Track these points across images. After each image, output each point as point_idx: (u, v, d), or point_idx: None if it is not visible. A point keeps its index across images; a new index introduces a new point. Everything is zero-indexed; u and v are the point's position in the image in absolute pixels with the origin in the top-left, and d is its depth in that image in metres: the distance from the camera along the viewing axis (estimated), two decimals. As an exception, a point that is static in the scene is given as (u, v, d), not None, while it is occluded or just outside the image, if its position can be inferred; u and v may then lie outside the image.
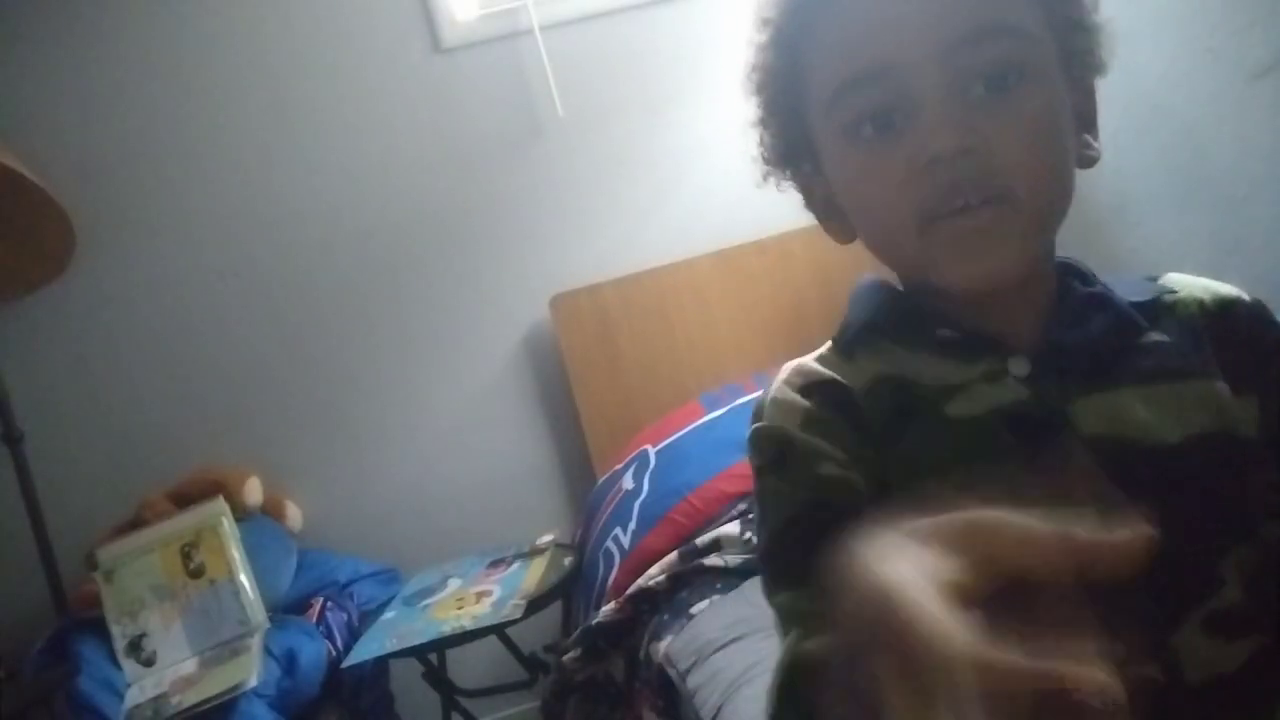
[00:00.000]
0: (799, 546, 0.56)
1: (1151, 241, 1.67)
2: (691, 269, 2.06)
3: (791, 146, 0.64)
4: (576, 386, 2.03)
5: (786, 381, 0.62)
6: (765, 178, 0.67)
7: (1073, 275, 0.62)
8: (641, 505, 1.63)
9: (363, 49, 2.03)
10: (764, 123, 0.65)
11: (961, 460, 0.57)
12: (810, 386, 0.60)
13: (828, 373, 0.61)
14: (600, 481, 1.88)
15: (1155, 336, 0.59)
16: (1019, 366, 0.57)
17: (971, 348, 0.59)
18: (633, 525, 1.61)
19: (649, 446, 1.77)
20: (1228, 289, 0.62)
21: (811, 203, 0.67)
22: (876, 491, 0.57)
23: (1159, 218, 1.65)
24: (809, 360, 0.63)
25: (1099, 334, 0.58)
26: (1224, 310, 0.61)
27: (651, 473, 1.69)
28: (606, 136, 2.10)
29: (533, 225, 2.10)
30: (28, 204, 1.81)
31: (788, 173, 0.66)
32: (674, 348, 2.05)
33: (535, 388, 2.11)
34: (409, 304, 2.07)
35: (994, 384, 0.58)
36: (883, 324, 0.62)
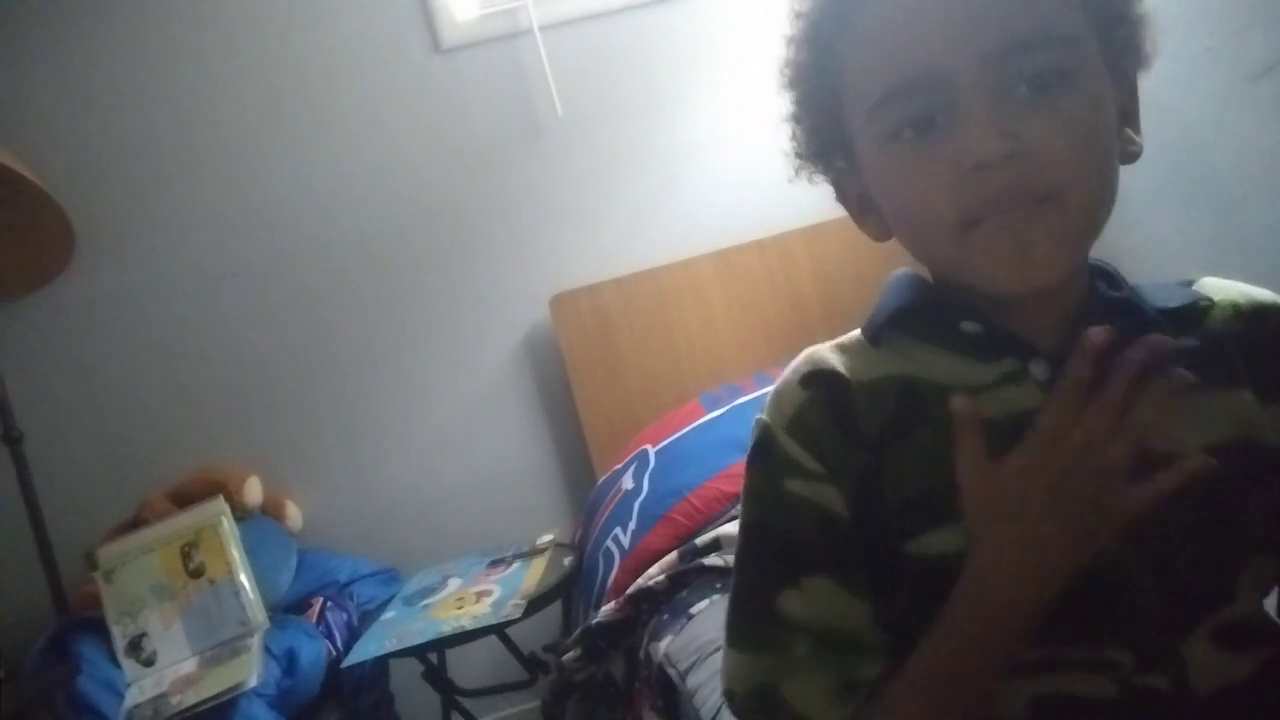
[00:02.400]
0: (752, 569, 0.61)
1: (1151, 241, 1.67)
2: (691, 269, 2.06)
3: (825, 143, 0.63)
4: (576, 386, 2.03)
5: (795, 368, 0.63)
6: (797, 172, 0.67)
7: (1101, 279, 0.61)
8: (641, 505, 1.63)
9: (362, 49, 2.03)
10: (797, 118, 0.64)
11: None
12: (812, 375, 0.61)
13: (832, 365, 0.62)
14: (600, 481, 1.88)
15: (1181, 345, 0.58)
16: (1040, 370, 0.57)
17: (994, 346, 0.58)
18: (632, 525, 1.61)
19: (649, 446, 1.77)
20: (1265, 295, 0.61)
21: (845, 199, 0.66)
22: (858, 494, 0.59)
23: (1159, 217, 1.65)
24: (825, 347, 0.64)
25: (1122, 337, 0.57)
26: (1259, 316, 0.60)
27: (651, 472, 1.69)
28: (606, 136, 2.10)
29: (532, 225, 2.10)
30: (27, 204, 1.81)
31: (821, 168, 0.65)
32: (674, 348, 2.05)
33: (535, 388, 2.11)
34: (409, 304, 2.07)
35: (1013, 386, 0.57)
36: (908, 317, 0.61)
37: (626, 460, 1.80)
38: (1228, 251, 1.51)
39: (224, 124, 2.01)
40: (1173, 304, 0.59)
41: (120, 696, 1.57)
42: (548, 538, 1.88)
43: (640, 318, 2.04)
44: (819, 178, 0.66)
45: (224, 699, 1.50)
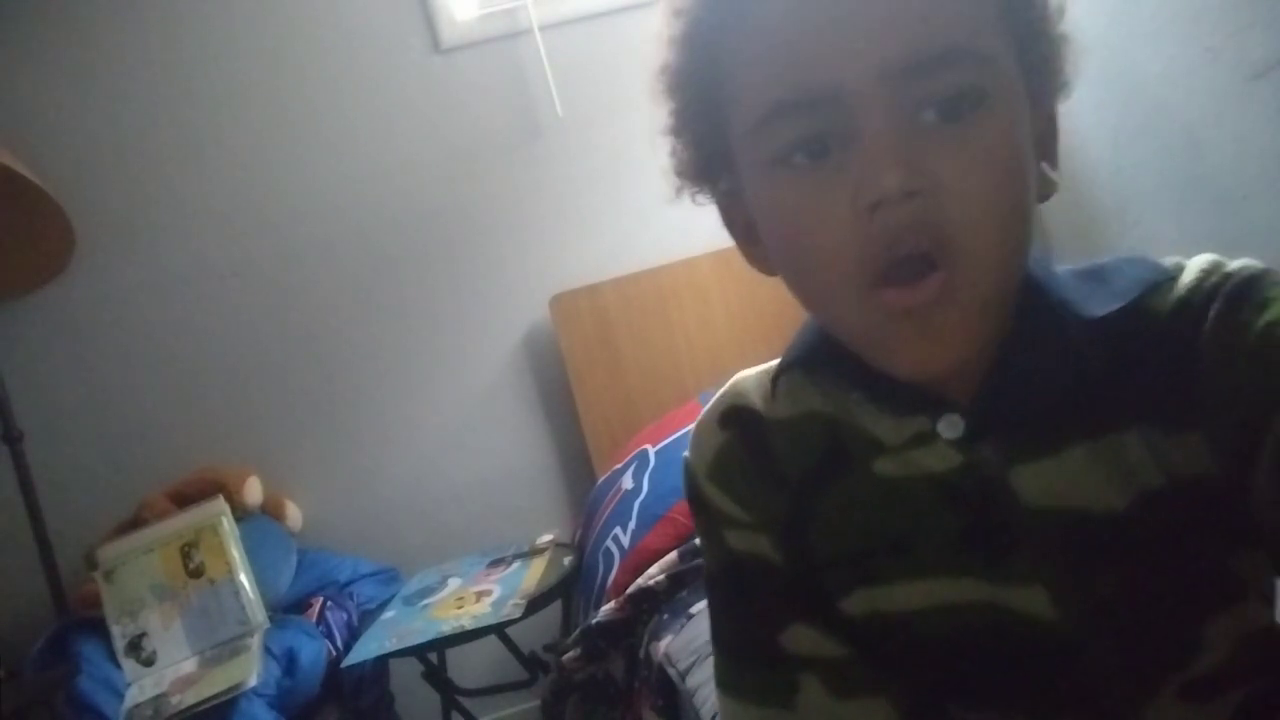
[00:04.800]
0: (736, 608, 0.58)
1: (1151, 241, 1.67)
2: (691, 268, 2.06)
3: (708, 160, 0.55)
4: (576, 386, 2.03)
5: (716, 402, 0.61)
6: (678, 193, 0.58)
7: (1032, 300, 0.51)
8: (641, 505, 1.63)
9: (362, 49, 2.04)
10: (676, 132, 0.56)
11: (892, 524, 0.53)
12: (732, 413, 0.59)
13: (750, 401, 0.59)
14: (600, 481, 1.88)
15: (1104, 374, 0.49)
16: (951, 428, 0.51)
17: (899, 403, 0.52)
18: (632, 525, 1.61)
19: (649, 446, 1.77)
20: (1189, 283, 0.49)
21: (731, 225, 0.58)
22: (787, 542, 0.56)
23: (1158, 217, 1.65)
24: (751, 376, 0.61)
25: (1044, 386, 0.49)
26: (1179, 314, 0.48)
27: (651, 472, 1.69)
28: (606, 136, 2.10)
29: (532, 225, 2.10)
30: (27, 204, 1.81)
31: (703, 188, 0.58)
32: (673, 347, 2.05)
33: (535, 388, 2.11)
34: (408, 304, 2.07)
35: (924, 447, 0.52)
36: (816, 363, 0.56)
37: (626, 460, 1.80)
38: (1227, 251, 1.50)
39: (224, 123, 2.01)
40: (1113, 306, 0.49)
41: (120, 696, 1.57)
42: (548, 538, 1.88)
43: (640, 317, 2.04)
44: (702, 199, 0.59)
45: (224, 699, 1.50)
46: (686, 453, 0.60)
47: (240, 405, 2.03)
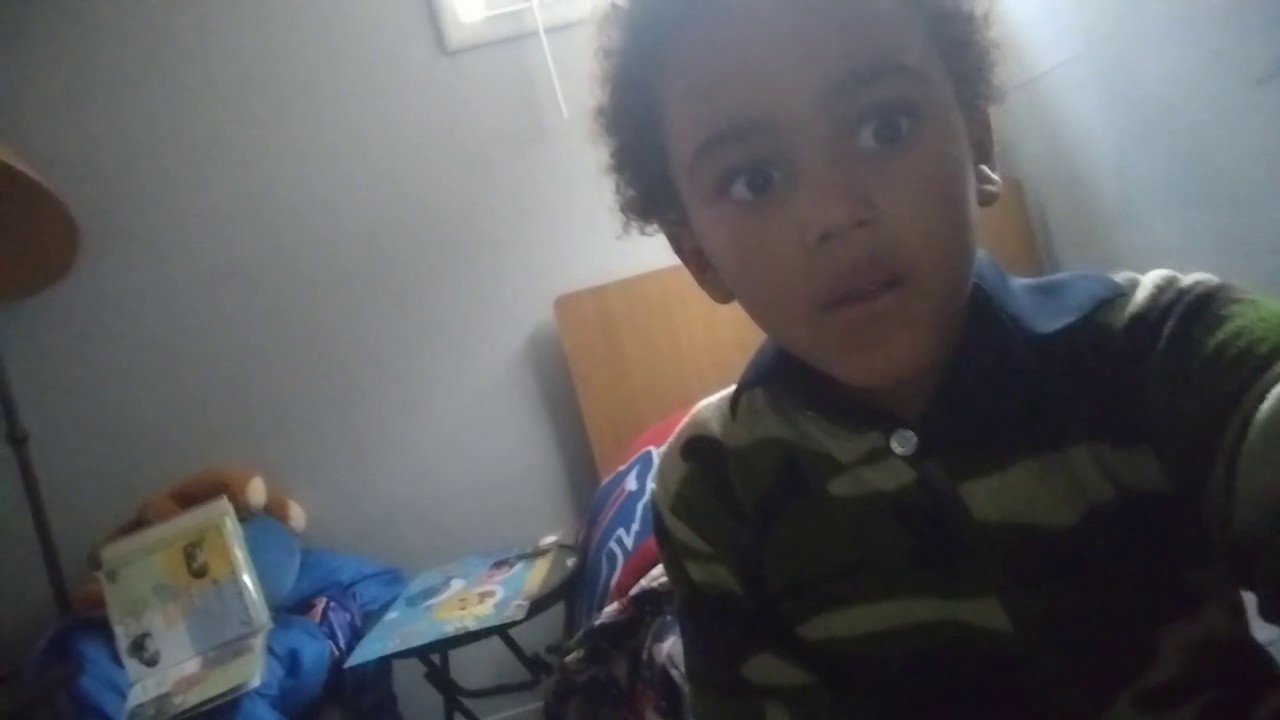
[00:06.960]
0: (702, 639, 0.60)
1: (1155, 243, 1.67)
2: (695, 271, 2.06)
3: (652, 195, 0.56)
4: (580, 388, 2.03)
5: (679, 433, 0.62)
6: (625, 229, 0.60)
7: (982, 314, 0.51)
8: (645, 506, 1.63)
9: (368, 51, 2.04)
10: (617, 170, 0.57)
11: (846, 548, 0.53)
12: (692, 444, 0.61)
13: (712, 431, 0.61)
14: (604, 483, 1.88)
15: (1054, 390, 0.49)
16: (903, 444, 0.51)
17: (853, 420, 0.53)
18: (636, 526, 1.61)
19: (652, 448, 1.77)
20: (1144, 299, 0.49)
21: (681, 254, 0.59)
22: (745, 573, 0.57)
23: (1163, 219, 1.65)
24: (713, 404, 0.63)
25: (993, 401, 0.50)
26: (1132, 330, 0.48)
27: (655, 474, 1.69)
28: (611, 139, 2.10)
29: (537, 227, 2.10)
30: (32, 205, 1.81)
31: (651, 220, 0.58)
32: (678, 349, 2.05)
33: (539, 389, 2.12)
34: (413, 305, 2.08)
35: (877, 464, 0.52)
36: (772, 382, 0.58)
37: (630, 462, 1.80)
38: (1232, 254, 1.51)
39: (230, 125, 2.01)
40: (1064, 322, 0.50)
41: (123, 696, 1.57)
42: (551, 539, 1.88)
43: (644, 319, 2.04)
44: (650, 230, 0.60)
45: (227, 699, 1.50)
46: (651, 482, 0.62)
47: (244, 406, 2.03)
